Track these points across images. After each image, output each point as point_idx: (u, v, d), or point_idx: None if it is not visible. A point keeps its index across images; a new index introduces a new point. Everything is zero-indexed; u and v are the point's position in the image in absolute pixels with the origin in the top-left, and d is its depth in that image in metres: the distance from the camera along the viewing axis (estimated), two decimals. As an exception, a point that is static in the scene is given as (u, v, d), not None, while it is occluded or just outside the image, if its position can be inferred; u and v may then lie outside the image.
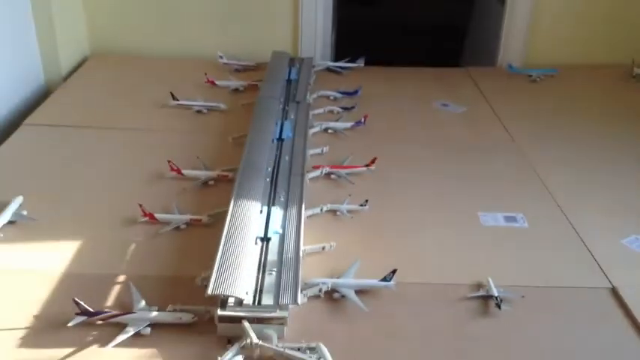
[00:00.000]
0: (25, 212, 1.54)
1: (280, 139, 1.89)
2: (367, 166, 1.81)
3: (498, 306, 1.30)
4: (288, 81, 2.34)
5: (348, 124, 2.08)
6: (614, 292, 1.37)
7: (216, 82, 2.38)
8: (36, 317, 1.23)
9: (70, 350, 1.16)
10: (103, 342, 1.18)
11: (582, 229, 1.59)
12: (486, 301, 1.33)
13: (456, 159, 1.94)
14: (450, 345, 1.23)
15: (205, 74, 2.39)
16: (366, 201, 1.63)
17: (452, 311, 1.31)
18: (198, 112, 2.17)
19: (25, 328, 1.21)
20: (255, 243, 1.39)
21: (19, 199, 1.56)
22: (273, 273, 1.31)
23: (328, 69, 2.62)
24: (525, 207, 1.68)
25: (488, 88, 2.48)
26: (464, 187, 1.79)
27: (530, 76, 2.57)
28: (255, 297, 1.25)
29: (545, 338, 1.25)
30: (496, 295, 1.32)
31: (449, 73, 2.67)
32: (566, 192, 1.76)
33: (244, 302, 1.22)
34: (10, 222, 1.51)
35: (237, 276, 1.24)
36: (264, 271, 1.32)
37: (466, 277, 1.40)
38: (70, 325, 1.20)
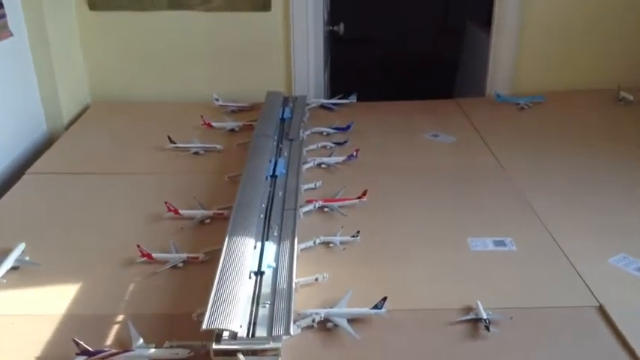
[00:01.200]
0: (27, 258, 1.59)
1: (274, 176, 1.94)
2: (359, 198, 1.86)
3: (487, 328, 1.33)
4: (282, 119, 2.41)
5: (341, 159, 2.14)
6: (602, 309, 1.40)
7: (213, 124, 2.45)
8: (39, 359, 1.27)
9: (71, 389, 1.20)
10: (103, 380, 1.22)
11: (570, 250, 1.62)
12: (476, 324, 1.36)
13: (446, 188, 1.99)
14: (441, 369, 1.25)
15: (202, 117, 2.46)
16: (358, 232, 1.68)
17: (442, 335, 1.34)
18: (195, 153, 2.23)
19: (28, 369, 1.25)
20: (250, 277, 1.44)
21: (21, 246, 1.62)
22: (267, 305, 1.35)
23: (322, 106, 2.69)
24: (514, 232, 1.72)
25: (477, 118, 2.54)
26: (454, 214, 1.83)
27: (518, 104, 2.64)
28: (249, 329, 1.28)
29: (535, 357, 1.28)
30: (485, 317, 1.35)
31: (439, 105, 2.73)
32: (555, 216, 1.79)
33: (239, 335, 1.26)
34: (14, 268, 1.56)
35: (232, 310, 1.28)
36: (257, 304, 1.36)
37: (456, 301, 1.43)
38: (70, 365, 1.24)
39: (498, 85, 2.80)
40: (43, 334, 1.34)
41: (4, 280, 1.51)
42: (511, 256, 1.63)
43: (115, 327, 1.37)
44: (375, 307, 1.38)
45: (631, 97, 2.60)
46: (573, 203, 1.88)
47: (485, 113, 2.60)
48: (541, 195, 1.91)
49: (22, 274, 1.55)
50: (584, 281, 1.50)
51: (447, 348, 1.31)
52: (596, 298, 1.43)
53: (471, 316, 1.37)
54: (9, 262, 1.54)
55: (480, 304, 1.39)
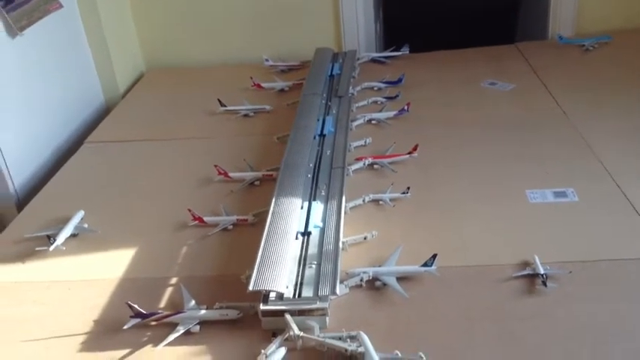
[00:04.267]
0: (86, 225, 1.64)
1: (322, 135, 1.91)
2: (409, 153, 1.81)
3: (544, 283, 1.27)
4: (331, 76, 2.36)
5: (392, 113, 2.08)
6: (669, 262, 1.31)
7: (263, 85, 2.43)
8: (95, 322, 1.32)
9: (126, 351, 1.23)
10: (157, 342, 1.24)
11: (637, 199, 1.52)
12: (532, 279, 1.30)
13: (503, 138, 1.90)
14: (494, 326, 1.21)
15: (251, 78, 2.45)
16: (408, 188, 1.63)
17: (496, 292, 1.29)
18: (245, 115, 2.23)
19: (86, 333, 1.29)
20: (296, 238, 1.43)
21: (80, 214, 1.67)
22: (313, 266, 1.34)
23: (373, 60, 2.62)
24: (576, 182, 1.63)
25: (538, 63, 2.40)
26: (512, 165, 1.75)
27: (583, 45, 2.47)
28: (295, 290, 1.28)
29: (595, 313, 1.21)
30: (542, 272, 1.29)
31: (497, 52, 2.60)
32: (620, 164, 1.69)
33: (285, 296, 1.25)
34: (73, 235, 1.61)
35: (278, 271, 1.28)
36: (304, 265, 1.35)
37: (511, 257, 1.38)
38: (125, 327, 1.27)
39: (561, 26, 2.63)
40: (99, 298, 1.39)
41: (64, 247, 1.56)
42: (572, 207, 1.54)
43: (169, 290, 1.40)
44: (425, 264, 1.34)
45: None
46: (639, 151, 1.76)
47: (547, 57, 2.46)
48: (606, 143, 1.80)
49: (81, 241, 1.60)
50: (651, 232, 1.40)
51: (501, 305, 1.26)
52: (663, 250, 1.34)
53: (527, 271, 1.32)
54: (68, 230, 1.60)
55: (537, 258, 1.33)
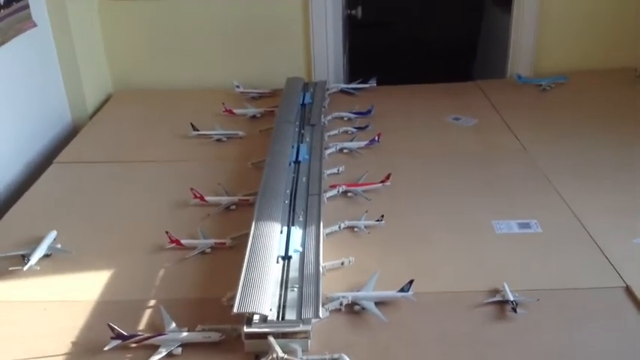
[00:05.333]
0: (59, 245, 1.63)
1: (297, 162, 1.96)
2: (382, 182, 1.87)
3: (514, 310, 1.34)
4: (303, 105, 2.42)
5: (363, 143, 2.14)
6: (628, 290, 1.40)
7: (234, 111, 2.47)
8: (74, 344, 1.31)
9: (107, 372, 1.23)
10: (138, 363, 1.25)
11: (595, 231, 1.62)
12: (502, 306, 1.37)
13: (469, 170, 1.99)
14: (469, 349, 1.27)
15: (223, 104, 2.48)
16: (382, 216, 1.69)
17: (469, 317, 1.35)
18: (218, 140, 2.25)
19: (64, 354, 1.28)
20: (277, 262, 1.46)
21: (53, 234, 1.65)
22: (295, 289, 1.37)
23: (342, 91, 2.70)
24: (539, 213, 1.72)
25: (498, 100, 2.52)
26: (478, 197, 1.84)
27: (540, 85, 2.61)
28: (278, 313, 1.31)
29: (562, 339, 1.29)
30: (512, 299, 1.36)
31: (459, 88, 2.72)
32: (579, 197, 1.79)
33: (269, 318, 1.28)
34: (46, 255, 1.59)
35: (261, 293, 1.30)
36: (286, 288, 1.38)
37: (482, 284, 1.44)
38: (106, 349, 1.27)
39: (519, 67, 2.78)
40: (76, 319, 1.38)
41: (38, 267, 1.54)
42: (536, 238, 1.63)
43: (147, 312, 1.40)
44: (402, 290, 1.39)
45: (654, 76, 2.57)
46: (597, 184, 1.87)
47: (506, 95, 2.59)
48: (565, 177, 1.91)
49: (55, 262, 1.59)
50: (610, 262, 1.50)
51: (474, 330, 1.32)
52: (622, 279, 1.44)
53: (497, 298, 1.38)
54: (42, 250, 1.58)
55: (506, 286, 1.40)
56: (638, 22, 2.73)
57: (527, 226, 1.68)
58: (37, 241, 1.61)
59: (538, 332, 1.31)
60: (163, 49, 2.81)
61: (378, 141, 2.15)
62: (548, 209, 1.75)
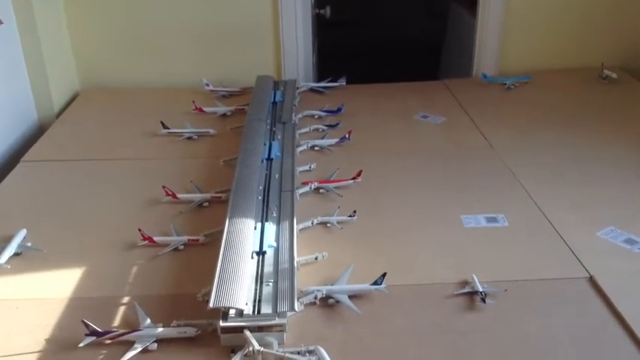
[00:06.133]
0: (29, 244, 1.61)
1: (269, 159, 1.97)
2: (354, 179, 1.90)
3: (483, 300, 1.38)
4: (274, 103, 2.43)
5: (334, 141, 2.17)
6: (592, 280, 1.46)
7: (204, 109, 2.46)
8: (48, 341, 1.30)
9: (82, 369, 1.23)
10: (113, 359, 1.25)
11: (560, 225, 1.68)
12: (472, 297, 1.41)
13: (438, 167, 2.04)
14: (441, 339, 1.30)
15: (193, 102, 2.47)
16: (354, 212, 1.72)
17: (440, 308, 1.39)
18: (189, 138, 2.25)
19: (39, 351, 1.27)
20: (252, 257, 1.47)
21: (22, 232, 1.63)
22: (270, 284, 1.39)
23: (311, 89, 2.72)
24: (505, 208, 1.77)
25: (464, 99, 2.58)
26: (446, 193, 1.88)
27: (505, 84, 2.68)
28: (254, 307, 1.32)
29: (529, 327, 1.33)
30: (481, 290, 1.40)
31: (427, 87, 2.77)
32: (544, 191, 1.85)
33: (244, 312, 1.29)
34: (16, 254, 1.57)
35: (237, 288, 1.32)
36: (261, 283, 1.40)
37: (452, 276, 1.48)
38: (80, 345, 1.26)
39: (485, 66, 2.84)
40: (49, 317, 1.37)
41: (8, 265, 1.52)
42: (503, 231, 1.68)
43: (122, 309, 1.40)
44: (375, 283, 1.42)
45: (614, 75, 2.65)
46: (561, 179, 1.94)
47: (472, 94, 2.64)
48: (529, 172, 1.97)
49: (26, 260, 1.57)
50: (574, 254, 1.56)
51: (445, 320, 1.35)
52: (586, 270, 1.49)
53: (467, 289, 1.42)
54: (12, 248, 1.56)
55: (475, 277, 1.44)
56: (600, 24, 2.82)
57: (494, 220, 1.72)
58: (6, 240, 1.59)
59: (506, 321, 1.35)
60: (131, 47, 2.79)
61: (348, 138, 2.17)
62: (514, 204, 1.80)
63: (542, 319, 1.36)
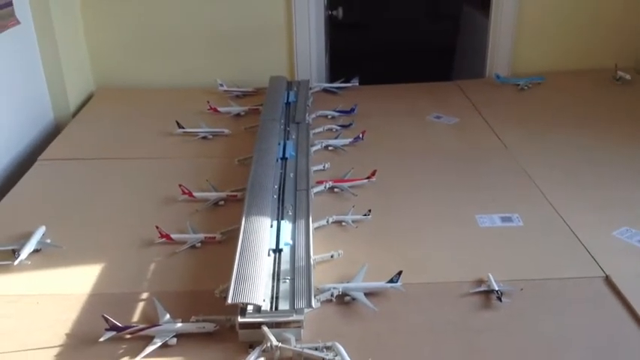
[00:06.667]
0: (49, 240, 1.63)
1: (284, 158, 1.99)
2: (368, 178, 1.91)
3: (499, 299, 1.39)
4: (287, 104, 2.45)
5: (347, 141, 2.18)
6: (608, 280, 1.46)
7: (219, 109, 2.48)
8: (68, 336, 1.32)
9: (102, 363, 1.24)
10: (133, 354, 1.26)
11: (575, 224, 1.68)
12: (488, 295, 1.41)
13: (452, 167, 2.04)
14: (456, 337, 1.31)
15: (208, 102, 2.49)
16: (369, 211, 1.73)
17: (456, 307, 1.39)
18: (204, 138, 2.27)
19: (59, 346, 1.29)
20: (268, 255, 1.48)
21: (42, 229, 1.65)
22: (287, 281, 1.40)
23: (324, 90, 2.73)
24: (520, 208, 1.77)
25: (478, 99, 2.59)
26: (461, 192, 1.88)
27: (518, 84, 2.68)
28: (272, 303, 1.33)
29: (545, 326, 1.33)
30: (497, 289, 1.40)
31: (440, 87, 2.78)
32: (558, 192, 1.85)
33: (262, 309, 1.30)
34: (36, 250, 1.59)
35: (254, 285, 1.33)
36: (278, 280, 1.41)
37: (467, 274, 1.49)
38: (101, 340, 1.28)
39: (498, 67, 2.84)
40: (69, 312, 1.39)
41: (29, 261, 1.54)
42: (518, 231, 1.68)
43: (140, 304, 1.42)
44: (391, 280, 1.43)
45: (628, 76, 2.65)
46: (575, 180, 1.94)
47: (485, 94, 2.65)
48: (544, 172, 1.97)
49: (45, 256, 1.59)
50: (590, 253, 1.56)
51: (461, 318, 1.36)
52: (602, 269, 1.49)
53: (483, 288, 1.43)
54: (32, 244, 1.58)
55: (491, 276, 1.44)
56: (613, 26, 2.82)
57: (509, 219, 1.73)
58: (25, 237, 1.61)
59: (522, 320, 1.35)
60: (146, 48, 2.82)
61: (362, 138, 2.19)
62: (528, 203, 1.80)
63: (557, 318, 1.36)
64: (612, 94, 2.61)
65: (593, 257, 1.54)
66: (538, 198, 1.83)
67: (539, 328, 1.33)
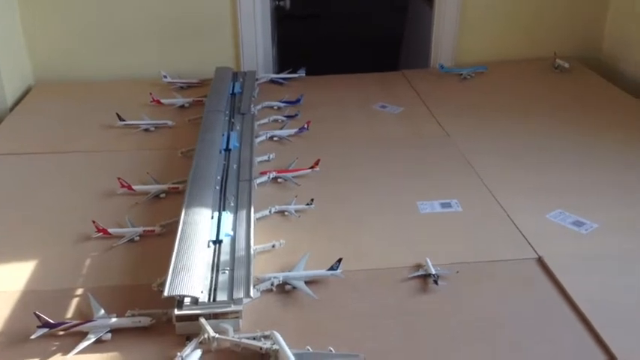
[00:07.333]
0: (-20, 237, 1.58)
1: (228, 150, 1.97)
2: (312, 167, 1.91)
3: (436, 282, 1.41)
4: (233, 94, 2.42)
5: (292, 131, 2.18)
6: (541, 261, 1.50)
7: (162, 101, 2.44)
8: (-1, 334, 1.28)
9: (34, 361, 1.21)
10: (66, 350, 1.23)
11: (511, 209, 1.72)
12: (425, 279, 1.44)
13: (395, 155, 2.06)
14: (396, 320, 1.33)
15: (150, 94, 2.45)
16: (312, 200, 1.73)
17: (395, 291, 1.41)
18: (146, 130, 2.23)
19: (-11, 344, 1.25)
20: (208, 246, 1.47)
21: (-27, 226, 1.60)
22: (227, 271, 1.39)
23: (271, 81, 2.72)
24: (459, 194, 1.81)
25: (422, 89, 2.61)
26: (403, 180, 1.91)
27: (461, 74, 2.72)
28: (210, 295, 1.32)
29: (480, 307, 1.37)
30: (433, 272, 1.43)
31: (386, 77, 2.79)
32: (497, 177, 1.89)
33: (200, 300, 1.29)
34: (-34, 248, 1.55)
35: (192, 277, 1.32)
36: (217, 271, 1.40)
37: (407, 260, 1.51)
38: (32, 337, 1.25)
39: (442, 57, 2.88)
40: (1, 310, 1.35)
41: (-41, 259, 1.49)
42: (457, 216, 1.71)
43: (75, 301, 1.39)
44: (331, 268, 1.44)
45: (566, 65, 2.72)
46: (513, 166, 1.98)
47: (430, 84, 2.68)
48: (483, 159, 2.01)
49: (-23, 254, 1.54)
50: (524, 236, 1.60)
51: (400, 302, 1.38)
52: (535, 251, 1.54)
53: (420, 272, 1.45)
54: (-38, 243, 1.53)
55: (429, 261, 1.47)
56: (552, 17, 2.89)
57: (448, 205, 1.76)
58: (-45, 235, 1.56)
59: (458, 301, 1.38)
60: (87, 40, 2.74)
61: (307, 128, 2.19)
62: (468, 189, 1.84)
63: (491, 299, 1.39)
64: (551, 82, 2.67)
65: (526, 239, 1.58)
66: (477, 184, 1.87)
67: (474, 309, 1.36)
